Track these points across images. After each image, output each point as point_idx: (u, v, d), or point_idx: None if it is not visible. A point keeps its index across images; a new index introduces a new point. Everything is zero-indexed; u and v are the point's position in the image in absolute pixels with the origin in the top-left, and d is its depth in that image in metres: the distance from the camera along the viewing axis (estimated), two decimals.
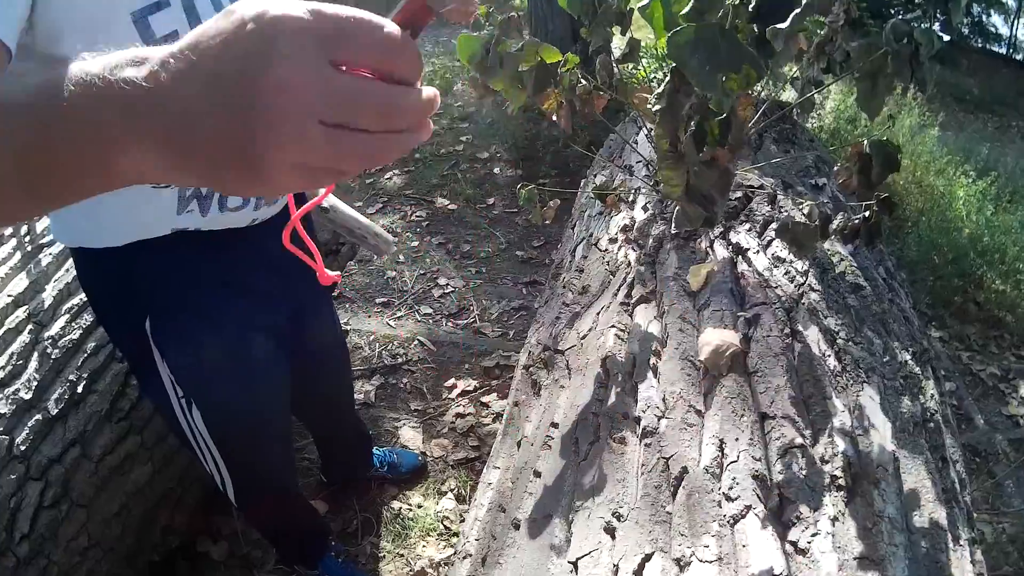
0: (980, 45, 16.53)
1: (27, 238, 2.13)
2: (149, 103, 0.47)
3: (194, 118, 0.46)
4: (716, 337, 1.45)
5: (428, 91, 0.50)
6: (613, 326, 1.59)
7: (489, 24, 1.62)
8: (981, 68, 12.75)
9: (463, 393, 2.94)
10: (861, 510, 1.13)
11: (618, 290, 1.73)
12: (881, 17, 12.28)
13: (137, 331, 1.39)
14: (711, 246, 1.78)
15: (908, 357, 1.62)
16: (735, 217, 1.90)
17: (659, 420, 1.30)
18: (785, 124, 2.67)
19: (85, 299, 1.99)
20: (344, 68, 0.46)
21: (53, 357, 1.91)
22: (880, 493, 1.17)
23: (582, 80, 1.72)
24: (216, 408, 1.48)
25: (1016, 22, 17.59)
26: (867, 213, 1.61)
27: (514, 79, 1.62)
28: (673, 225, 1.57)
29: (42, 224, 2.17)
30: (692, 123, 1.24)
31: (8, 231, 2.13)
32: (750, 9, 1.19)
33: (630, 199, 2.13)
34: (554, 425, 1.46)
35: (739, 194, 1.94)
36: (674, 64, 1.17)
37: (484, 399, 2.88)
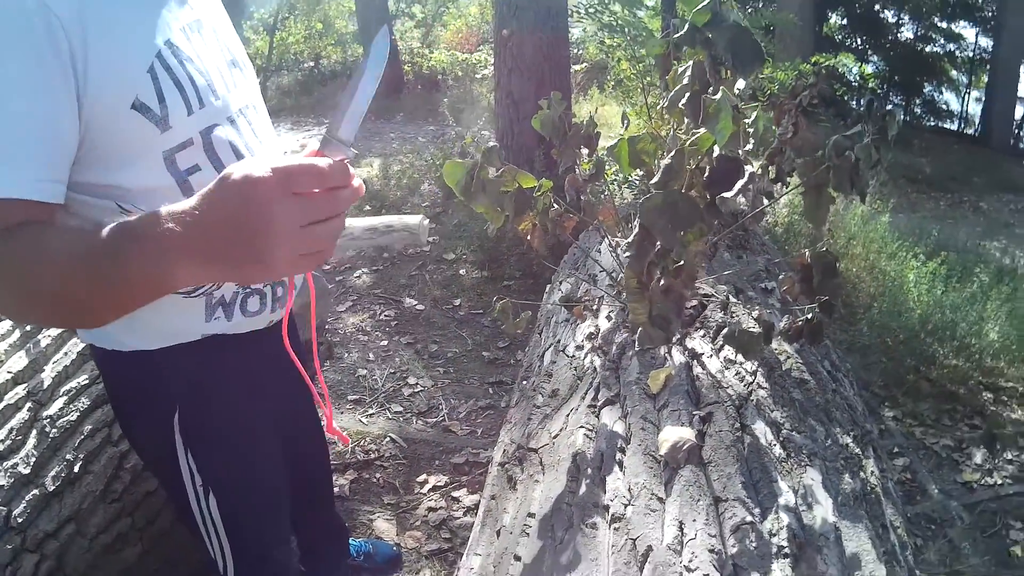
0: (932, 124, 17.49)
1: None
2: (190, 237, 0.86)
3: (219, 243, 0.85)
4: (674, 434, 1.66)
5: (356, 181, 0.89)
6: (582, 426, 1.82)
7: (472, 152, 1.91)
8: (933, 146, 13.43)
9: (434, 488, 3.17)
10: (805, 573, 1.33)
11: (585, 394, 1.97)
12: (835, 104, 12.95)
13: (160, 425, 1.56)
14: (669, 352, 2.03)
15: (849, 440, 1.84)
16: (691, 324, 2.15)
17: (625, 507, 1.51)
18: (738, 231, 2.99)
19: (84, 383, 2.23)
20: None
21: (51, 436, 2.09)
22: (823, 558, 1.36)
23: (555, 204, 2.02)
24: (231, 497, 1.66)
25: (966, 98, 18.60)
26: (809, 316, 1.87)
27: (494, 202, 1.90)
28: (637, 344, 1.83)
29: None
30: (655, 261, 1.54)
31: None
32: (704, 177, 1.51)
33: (595, 308, 2.42)
34: (531, 515, 1.65)
35: (694, 303, 2.20)
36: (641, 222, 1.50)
37: (455, 494, 3.11)
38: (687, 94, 1.78)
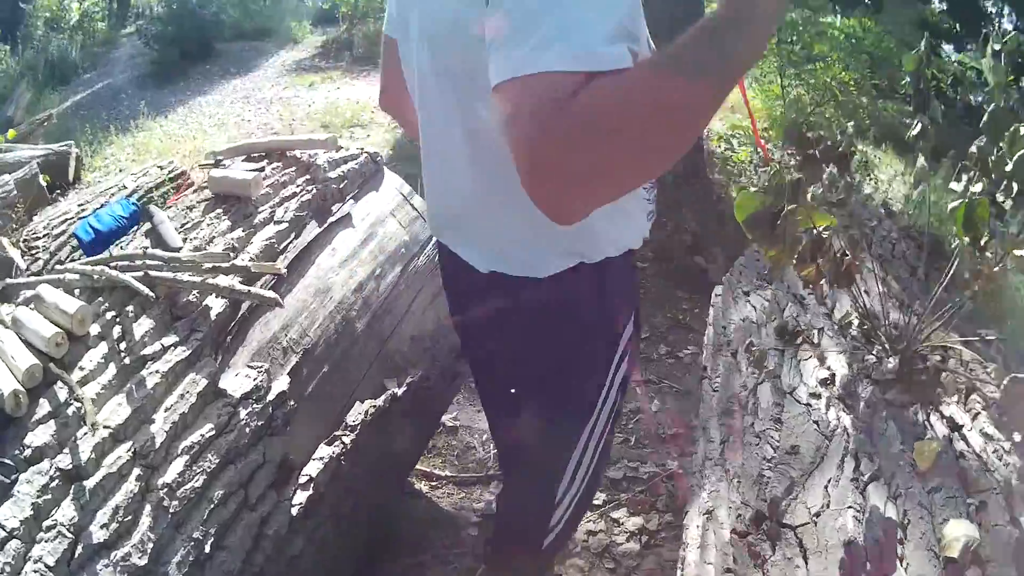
0: None
1: (122, 344, 1.84)
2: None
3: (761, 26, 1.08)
4: (962, 530, 1.51)
5: None
6: (850, 506, 1.65)
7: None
8: None
9: (591, 508, 2.90)
10: None
11: (843, 461, 1.79)
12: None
13: (612, 333, 1.65)
14: (927, 419, 1.84)
15: None
16: (936, 382, 1.92)
17: None
18: None
19: (208, 434, 1.79)
20: None
21: (171, 511, 1.65)
22: None
23: (846, 253, 1.78)
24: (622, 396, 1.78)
25: None
26: None
27: (792, 247, 1.71)
28: None
29: (141, 329, 1.87)
30: None
31: (96, 331, 1.84)
32: None
33: (815, 342, 2.19)
34: None
35: (937, 357, 1.98)
36: None
37: (614, 515, 2.90)
38: None
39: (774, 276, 1.82)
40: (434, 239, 2.69)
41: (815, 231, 1.69)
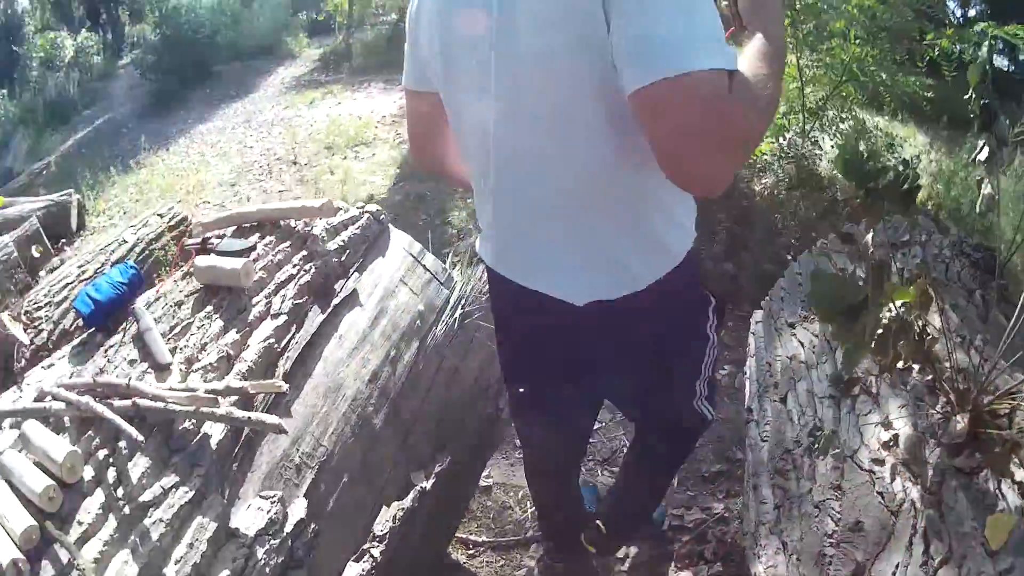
0: None
1: (119, 491, 1.68)
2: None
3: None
4: None
5: None
6: None
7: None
8: None
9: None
10: None
11: (911, 542, 1.65)
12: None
13: (704, 312, 1.93)
14: (999, 487, 1.66)
15: None
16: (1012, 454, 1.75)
17: None
18: None
19: None
20: None
21: None
22: None
23: (927, 331, 1.64)
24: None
25: None
26: None
27: (870, 337, 1.58)
28: None
29: (138, 470, 1.70)
30: None
31: (89, 475, 1.70)
32: None
33: (873, 391, 2.03)
34: None
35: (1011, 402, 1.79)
36: None
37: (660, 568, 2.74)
38: None
39: (848, 369, 1.68)
40: (459, 299, 2.58)
41: (896, 316, 1.55)
